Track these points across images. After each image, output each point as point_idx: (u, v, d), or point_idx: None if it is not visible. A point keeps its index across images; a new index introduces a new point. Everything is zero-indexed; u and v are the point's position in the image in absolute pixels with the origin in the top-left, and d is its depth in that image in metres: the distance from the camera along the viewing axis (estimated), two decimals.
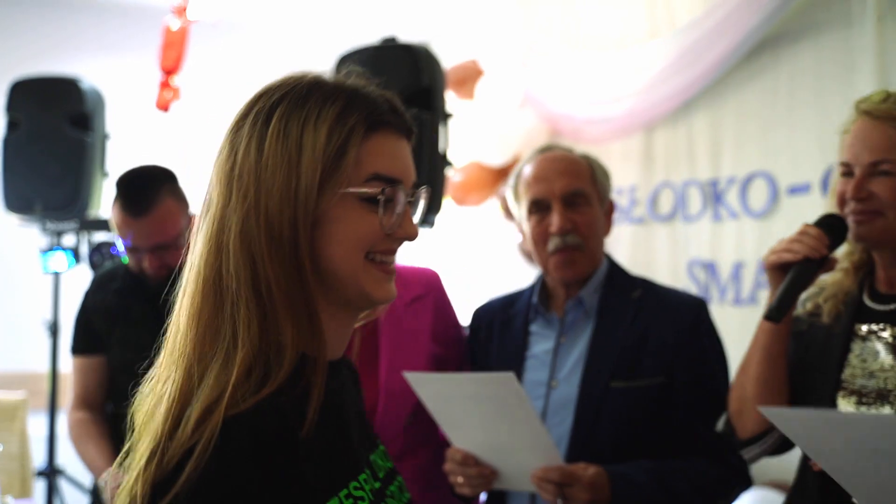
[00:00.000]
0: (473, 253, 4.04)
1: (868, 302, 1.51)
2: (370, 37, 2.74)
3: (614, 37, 3.50)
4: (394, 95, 0.95)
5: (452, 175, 3.50)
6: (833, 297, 1.53)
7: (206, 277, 0.86)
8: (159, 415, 0.83)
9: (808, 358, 1.53)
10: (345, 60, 2.70)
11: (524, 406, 1.57)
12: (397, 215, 0.90)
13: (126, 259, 2.18)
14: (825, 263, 1.47)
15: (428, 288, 1.96)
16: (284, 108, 0.87)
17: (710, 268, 3.09)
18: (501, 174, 3.78)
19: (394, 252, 0.93)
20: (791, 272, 1.44)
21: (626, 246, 3.31)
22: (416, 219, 0.94)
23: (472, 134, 3.70)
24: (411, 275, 1.94)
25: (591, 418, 1.72)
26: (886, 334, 1.46)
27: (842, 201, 1.48)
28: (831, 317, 1.52)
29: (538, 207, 1.76)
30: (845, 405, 1.43)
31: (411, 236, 0.93)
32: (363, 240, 0.89)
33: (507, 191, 1.90)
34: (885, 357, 1.44)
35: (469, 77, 3.82)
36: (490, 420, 1.62)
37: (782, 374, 1.53)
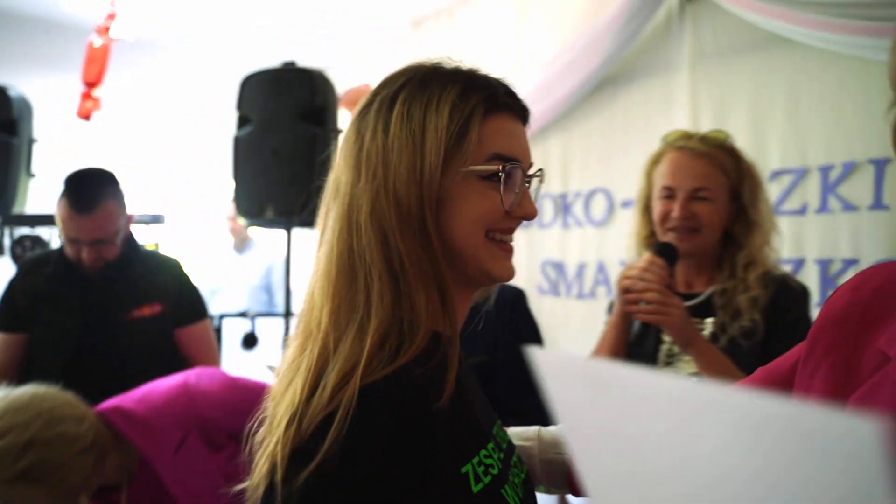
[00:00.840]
0: None
1: None
2: (275, 60, 2.96)
3: (489, 67, 3.88)
4: (508, 81, 0.98)
5: None
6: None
7: (340, 253, 0.85)
8: (297, 382, 0.81)
9: (633, 349, 1.68)
10: (249, 80, 2.97)
11: None
12: (516, 194, 0.89)
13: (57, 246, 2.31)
14: (670, 288, 1.60)
15: (184, 428, 1.78)
16: (407, 93, 0.87)
17: (559, 267, 3.41)
18: None
19: (512, 230, 0.92)
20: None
21: None
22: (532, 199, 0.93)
23: None
24: (161, 425, 1.75)
25: None
26: None
27: (664, 218, 1.68)
28: None
29: None
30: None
31: (529, 215, 0.92)
32: (484, 217, 0.88)
33: None
34: None
35: (362, 98, 4.16)
36: None
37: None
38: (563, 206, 3.45)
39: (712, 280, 1.71)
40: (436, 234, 0.84)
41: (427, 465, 0.77)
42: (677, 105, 2.99)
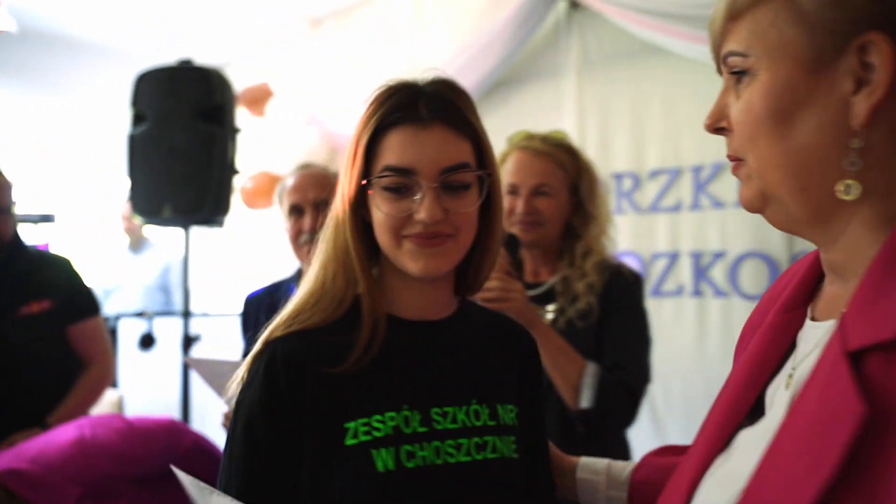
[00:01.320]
0: (262, 250, 4.21)
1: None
2: (170, 57, 2.93)
3: (385, 70, 3.84)
4: (429, 85, 1.03)
5: (244, 182, 3.74)
6: None
7: (328, 234, 1.05)
8: None
9: None
10: (144, 77, 2.93)
11: None
12: (414, 200, 0.97)
13: None
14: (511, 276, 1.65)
15: (81, 484, 1.77)
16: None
17: None
18: None
19: (423, 234, 0.97)
20: None
21: None
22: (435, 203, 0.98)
23: (262, 147, 3.93)
24: (58, 483, 1.77)
25: None
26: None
27: (509, 213, 1.77)
28: None
29: (295, 212, 2.10)
30: None
31: (423, 220, 0.97)
32: (387, 222, 0.99)
33: (275, 197, 2.21)
34: None
35: (261, 97, 4.02)
36: None
37: None
38: None
39: (556, 269, 1.82)
40: (360, 238, 1.03)
41: (299, 416, 0.95)
42: (565, 107, 3.15)
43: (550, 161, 1.78)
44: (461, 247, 1.03)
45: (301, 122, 4.08)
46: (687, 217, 2.76)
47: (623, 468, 1.11)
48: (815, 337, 0.70)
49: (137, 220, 3.09)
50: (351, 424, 0.96)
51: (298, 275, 2.21)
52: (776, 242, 2.52)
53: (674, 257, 2.80)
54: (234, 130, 3.02)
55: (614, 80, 2.99)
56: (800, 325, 0.75)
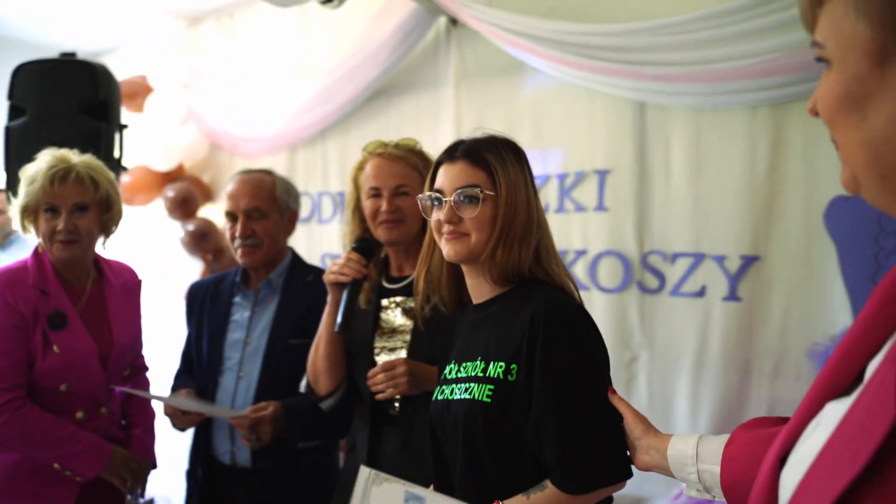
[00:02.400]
0: (141, 246, 4.19)
1: (385, 284, 2.00)
2: (47, 50, 2.93)
3: (267, 72, 3.96)
4: (472, 138, 1.50)
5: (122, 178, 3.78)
6: (364, 289, 1.96)
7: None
8: None
9: (352, 331, 1.95)
10: (22, 69, 2.90)
11: (214, 407, 2.14)
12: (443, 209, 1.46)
13: None
14: (367, 278, 1.90)
15: (132, 276, 2.35)
16: None
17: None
18: (166, 178, 4.10)
19: (445, 232, 1.44)
20: (346, 291, 1.85)
21: None
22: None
23: (140, 142, 3.91)
24: (119, 266, 2.33)
25: (274, 365, 2.21)
26: (399, 299, 1.96)
27: (374, 214, 1.93)
28: (368, 301, 1.97)
29: (231, 217, 2.27)
30: (379, 341, 1.95)
31: (441, 220, 1.45)
32: (433, 225, 1.49)
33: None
34: (399, 317, 1.96)
35: (139, 92, 4.04)
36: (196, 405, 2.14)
37: (342, 350, 1.96)
38: (341, 204, 3.71)
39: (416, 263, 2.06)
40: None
41: None
42: (443, 116, 3.36)
43: (406, 164, 1.95)
44: (475, 242, 1.43)
45: (178, 118, 4.10)
46: (553, 219, 3.04)
47: (714, 442, 1.17)
48: None
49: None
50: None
51: (243, 270, 2.35)
52: (629, 242, 2.85)
53: None
54: (121, 126, 3.04)
55: (489, 93, 3.23)
56: None
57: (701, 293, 2.69)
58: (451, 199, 1.43)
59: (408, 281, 1.99)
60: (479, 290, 1.49)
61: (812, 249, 2.47)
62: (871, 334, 0.70)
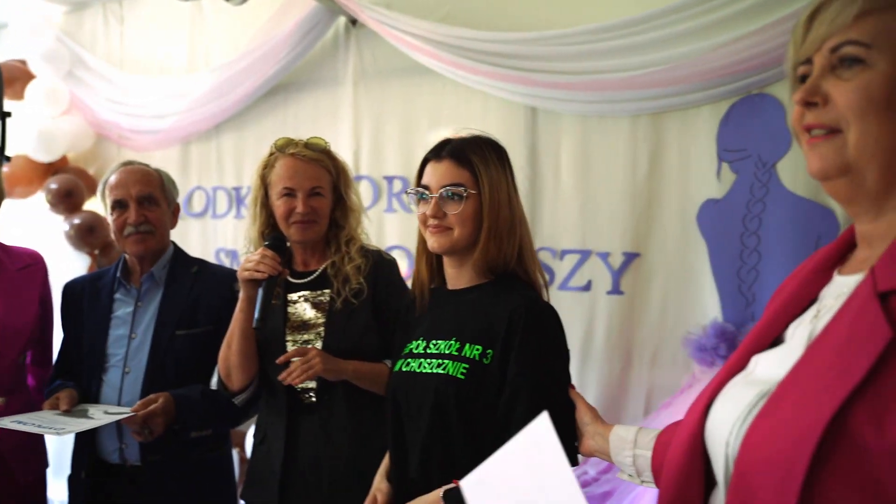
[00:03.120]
0: (20, 240, 3.98)
1: (291, 279, 2.03)
2: None
3: (155, 64, 3.87)
4: (459, 138, 1.60)
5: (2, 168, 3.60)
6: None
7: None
8: None
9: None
10: None
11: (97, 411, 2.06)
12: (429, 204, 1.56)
13: None
14: (282, 275, 1.91)
15: (34, 261, 2.35)
16: None
17: (233, 254, 3.65)
18: (49, 170, 3.93)
19: (430, 225, 1.55)
20: (262, 288, 1.85)
21: None
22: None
23: (21, 131, 3.71)
24: (19, 250, 2.34)
25: (161, 357, 2.17)
26: (307, 293, 2.02)
27: (288, 214, 1.95)
28: (276, 295, 1.95)
29: (119, 206, 2.20)
30: (290, 335, 1.98)
31: (426, 215, 1.55)
32: (419, 217, 1.59)
33: (98, 194, 2.30)
34: (309, 310, 2.01)
35: (18, 77, 3.85)
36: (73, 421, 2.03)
37: (255, 345, 1.98)
38: (237, 199, 3.70)
39: (323, 257, 2.05)
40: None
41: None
42: (342, 115, 3.40)
43: (320, 166, 2.00)
44: (457, 236, 1.54)
45: (61, 107, 3.95)
46: None
47: (652, 433, 1.31)
48: (839, 289, 0.83)
49: None
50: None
51: (124, 265, 2.30)
52: None
53: None
54: (4, 114, 2.93)
55: (387, 93, 3.30)
56: (825, 282, 0.87)
57: (587, 287, 2.88)
58: (437, 195, 1.54)
59: (316, 274, 2.04)
60: (458, 277, 1.60)
61: (686, 247, 2.70)
62: (791, 305, 0.87)
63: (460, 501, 1.28)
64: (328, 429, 1.94)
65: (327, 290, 2.00)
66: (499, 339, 1.48)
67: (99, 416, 2.07)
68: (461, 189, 1.53)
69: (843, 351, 0.71)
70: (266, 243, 1.95)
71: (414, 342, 1.61)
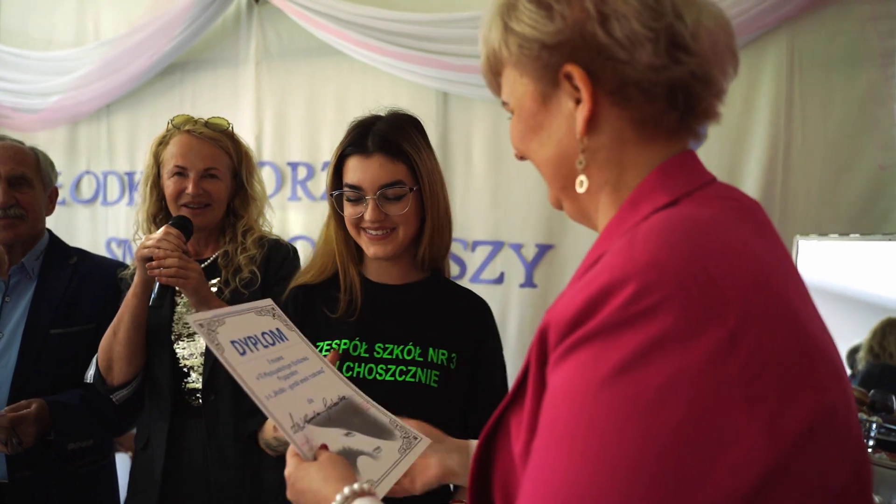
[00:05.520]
0: None
1: None
2: None
3: (38, 37, 3.60)
4: (379, 121, 1.45)
5: None
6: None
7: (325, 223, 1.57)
8: None
9: (152, 312, 1.84)
10: None
11: None
12: (364, 207, 1.41)
13: None
14: (187, 255, 1.75)
15: None
16: None
17: (126, 244, 3.43)
18: None
19: (371, 230, 1.43)
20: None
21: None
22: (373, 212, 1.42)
23: None
24: None
25: (32, 360, 1.94)
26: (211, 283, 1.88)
27: (178, 195, 1.84)
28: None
29: None
30: (177, 327, 1.87)
31: (367, 222, 1.42)
32: (350, 221, 1.44)
33: None
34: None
35: None
36: None
37: (143, 335, 1.83)
38: (130, 185, 3.48)
39: (217, 246, 1.95)
40: (340, 226, 1.52)
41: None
42: (243, 96, 3.23)
43: (217, 146, 1.88)
44: (402, 238, 1.45)
45: None
46: None
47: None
48: None
49: None
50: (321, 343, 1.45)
51: None
52: None
53: None
54: None
55: (292, 74, 3.14)
56: None
57: (500, 280, 2.79)
58: (374, 197, 1.41)
59: (207, 263, 1.92)
60: (388, 272, 1.51)
61: None
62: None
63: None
64: (214, 436, 1.80)
65: (216, 280, 1.89)
66: (463, 343, 1.45)
67: None
68: (402, 188, 1.41)
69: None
70: (171, 222, 1.79)
71: (344, 341, 1.44)
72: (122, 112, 3.47)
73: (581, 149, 0.79)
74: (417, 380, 1.39)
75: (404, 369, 1.40)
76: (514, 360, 2.70)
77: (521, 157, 0.90)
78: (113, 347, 1.80)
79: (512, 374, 2.71)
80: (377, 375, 1.41)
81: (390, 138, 1.42)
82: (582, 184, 0.80)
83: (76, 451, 2.00)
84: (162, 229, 1.75)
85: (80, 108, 3.46)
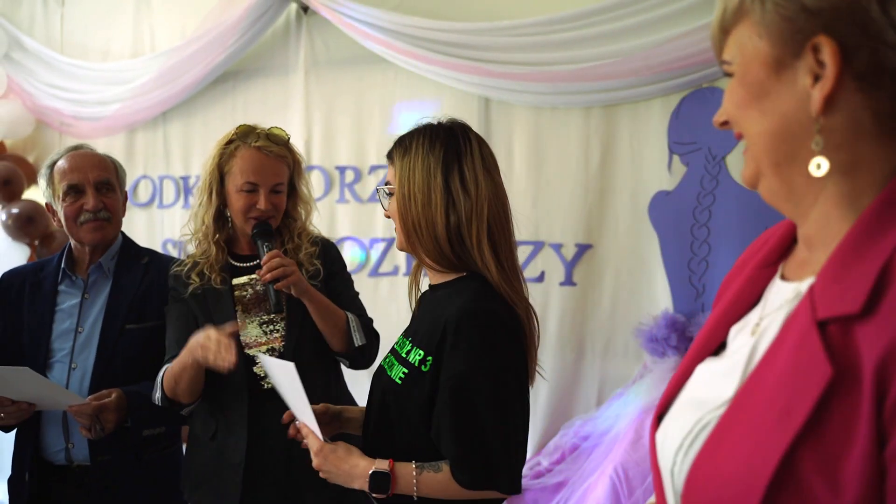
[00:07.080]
0: None
1: (234, 262, 2.01)
2: None
3: (98, 48, 3.76)
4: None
5: None
6: (210, 267, 1.96)
7: None
8: None
9: (210, 311, 1.94)
10: None
11: (43, 380, 1.94)
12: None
13: None
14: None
15: None
16: None
17: (181, 245, 3.51)
18: None
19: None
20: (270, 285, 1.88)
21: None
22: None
23: None
24: None
25: (110, 353, 2.07)
26: (254, 276, 1.96)
27: (248, 208, 1.92)
28: (222, 280, 1.96)
29: (74, 191, 2.07)
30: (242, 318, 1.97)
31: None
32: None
33: (41, 180, 2.14)
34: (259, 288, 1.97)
35: None
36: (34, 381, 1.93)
37: (203, 374, 1.84)
38: (185, 189, 3.62)
39: (274, 248, 1.98)
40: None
41: None
42: (292, 104, 3.37)
43: (282, 162, 1.97)
44: (397, 233, 1.49)
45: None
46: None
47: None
48: (782, 296, 0.79)
49: None
50: None
51: (69, 254, 2.20)
52: None
53: (390, 242, 3.17)
54: None
55: (339, 82, 3.27)
56: (769, 278, 0.85)
57: (540, 278, 2.89)
58: (378, 196, 1.55)
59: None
60: (430, 273, 1.51)
61: (638, 239, 2.73)
62: (736, 304, 0.87)
63: (385, 485, 1.36)
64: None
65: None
66: (436, 347, 1.38)
67: (54, 391, 2.00)
68: (389, 187, 1.50)
69: (783, 387, 0.68)
70: (257, 235, 1.93)
71: (400, 338, 1.56)
72: (178, 119, 3.62)
73: (817, 129, 0.71)
74: (391, 374, 1.46)
75: (393, 362, 1.49)
76: (552, 357, 2.83)
77: (724, 125, 0.83)
78: (178, 386, 1.86)
79: (549, 372, 2.86)
80: (385, 365, 1.52)
81: (395, 143, 1.51)
82: (820, 167, 0.72)
83: (149, 437, 2.13)
84: (214, 336, 1.74)
85: (137, 116, 3.62)
